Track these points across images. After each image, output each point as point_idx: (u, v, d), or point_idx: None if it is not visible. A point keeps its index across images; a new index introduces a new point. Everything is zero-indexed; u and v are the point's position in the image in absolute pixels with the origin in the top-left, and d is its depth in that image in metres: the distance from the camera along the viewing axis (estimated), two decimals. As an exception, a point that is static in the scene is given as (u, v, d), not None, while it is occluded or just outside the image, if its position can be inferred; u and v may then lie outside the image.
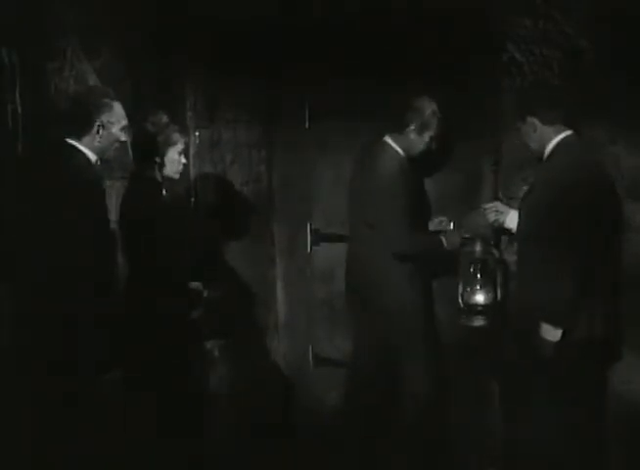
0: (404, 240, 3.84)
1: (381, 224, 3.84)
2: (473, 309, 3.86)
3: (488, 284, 3.85)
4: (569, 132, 3.43)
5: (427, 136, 3.91)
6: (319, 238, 4.67)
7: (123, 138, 3.32)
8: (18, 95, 3.22)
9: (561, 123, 3.42)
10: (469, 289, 3.86)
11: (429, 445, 3.98)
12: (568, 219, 3.24)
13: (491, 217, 3.76)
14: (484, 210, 3.80)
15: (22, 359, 3.16)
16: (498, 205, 3.78)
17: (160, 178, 3.59)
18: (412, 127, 3.88)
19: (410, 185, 3.89)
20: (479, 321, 3.85)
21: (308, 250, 4.70)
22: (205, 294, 3.76)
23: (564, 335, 3.29)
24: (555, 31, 3.79)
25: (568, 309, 3.28)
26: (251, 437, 4.36)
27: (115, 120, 3.27)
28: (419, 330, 3.88)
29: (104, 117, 3.23)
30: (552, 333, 3.30)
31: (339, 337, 4.59)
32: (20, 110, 3.23)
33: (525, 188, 3.64)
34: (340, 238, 4.47)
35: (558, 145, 3.41)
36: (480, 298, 3.86)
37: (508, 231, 3.76)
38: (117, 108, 3.28)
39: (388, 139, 3.95)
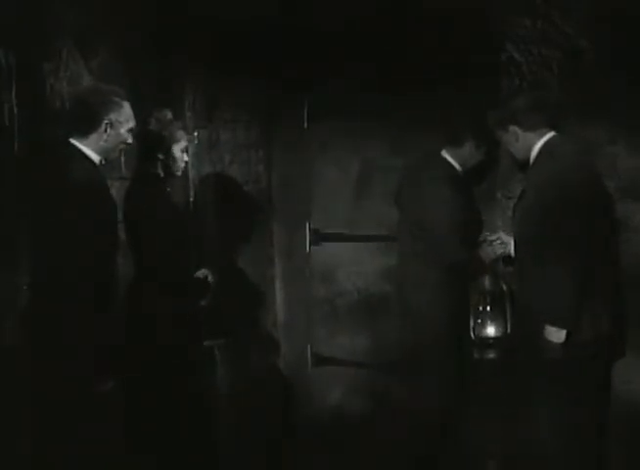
0: (457, 254, 3.84)
1: (433, 238, 3.84)
2: (484, 342, 3.87)
3: (499, 317, 3.86)
4: (551, 134, 3.41)
5: (483, 150, 3.94)
6: (319, 238, 4.67)
7: (130, 140, 3.28)
8: (14, 95, 3.21)
9: (542, 127, 3.41)
10: (480, 322, 3.87)
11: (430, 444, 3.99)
12: (560, 221, 3.24)
13: (498, 250, 3.74)
14: (489, 242, 3.79)
15: (23, 360, 3.16)
16: (502, 236, 3.75)
17: (162, 175, 3.60)
18: (470, 142, 3.91)
19: (463, 199, 3.90)
20: (490, 354, 3.86)
21: (307, 249, 4.71)
22: (212, 281, 3.75)
23: (568, 336, 3.28)
24: (554, 31, 3.80)
25: (570, 310, 3.27)
26: (251, 437, 4.35)
27: (124, 120, 3.21)
28: (439, 334, 3.87)
29: (112, 116, 3.18)
30: (556, 335, 3.29)
31: (342, 336, 4.60)
32: (16, 110, 3.22)
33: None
34: (340, 237, 4.47)
35: (542, 148, 3.40)
36: (490, 330, 3.87)
37: (513, 260, 3.69)
38: (127, 107, 3.23)
39: (445, 154, 3.97)
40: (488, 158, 4.00)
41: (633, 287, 3.54)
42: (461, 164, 3.95)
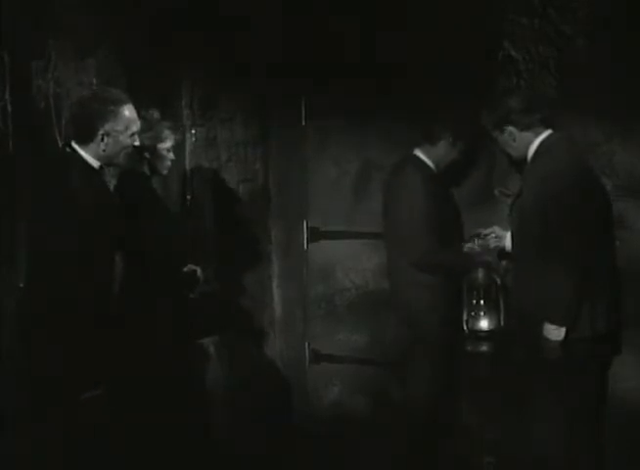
0: (421, 253, 3.84)
1: (402, 239, 3.86)
2: (477, 335, 3.89)
3: (492, 310, 3.88)
4: (548, 132, 3.43)
5: (459, 147, 3.93)
6: (318, 235, 4.67)
7: (136, 143, 3.25)
8: (8, 94, 3.21)
9: (538, 126, 3.43)
10: (473, 314, 3.89)
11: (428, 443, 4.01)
12: (557, 219, 3.26)
13: (492, 244, 3.73)
14: (484, 236, 3.77)
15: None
16: (496, 229, 3.73)
17: (148, 173, 3.62)
18: (445, 139, 3.89)
19: (436, 198, 3.88)
20: (483, 347, 3.89)
21: (305, 247, 4.71)
22: (200, 274, 3.75)
23: (567, 333, 3.30)
24: (552, 30, 3.81)
25: (569, 308, 3.30)
26: (250, 437, 4.35)
27: (123, 129, 3.16)
28: (436, 331, 3.89)
29: (108, 126, 3.13)
30: (555, 333, 3.31)
31: (340, 333, 4.62)
32: (10, 108, 3.22)
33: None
34: (338, 235, 4.48)
35: (539, 147, 3.41)
36: (483, 324, 3.89)
37: (508, 255, 3.71)
38: (126, 113, 3.16)
39: (418, 152, 3.95)
40: (464, 157, 3.99)
41: (630, 284, 3.55)
42: (435, 164, 3.94)
